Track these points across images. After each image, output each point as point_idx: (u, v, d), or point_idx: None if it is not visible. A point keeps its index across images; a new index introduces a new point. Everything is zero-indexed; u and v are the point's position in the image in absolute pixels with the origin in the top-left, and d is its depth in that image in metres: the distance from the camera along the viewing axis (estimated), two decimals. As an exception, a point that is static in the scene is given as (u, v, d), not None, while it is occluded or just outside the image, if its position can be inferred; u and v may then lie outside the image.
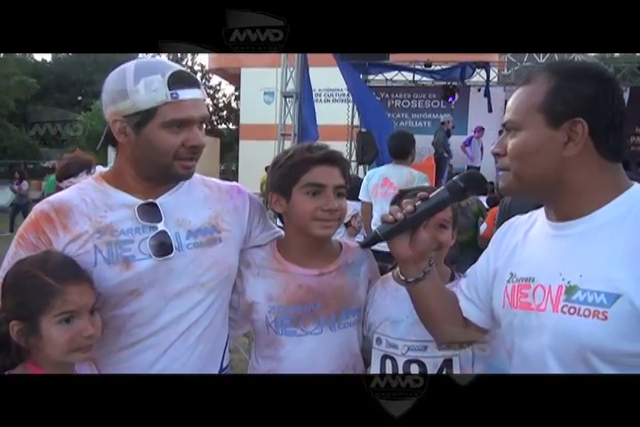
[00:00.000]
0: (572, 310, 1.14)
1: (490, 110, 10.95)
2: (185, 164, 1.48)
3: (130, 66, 1.46)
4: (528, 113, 1.21)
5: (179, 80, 1.43)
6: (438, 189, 1.37)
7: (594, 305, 1.11)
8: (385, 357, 1.67)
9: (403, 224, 1.34)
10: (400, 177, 4.96)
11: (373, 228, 4.96)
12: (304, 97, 8.58)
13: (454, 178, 1.37)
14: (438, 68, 10.86)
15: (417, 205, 1.34)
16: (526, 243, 1.32)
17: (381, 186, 4.93)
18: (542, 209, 1.36)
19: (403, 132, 5.93)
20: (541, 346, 1.20)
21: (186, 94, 1.43)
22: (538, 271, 1.24)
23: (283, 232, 1.78)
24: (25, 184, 16.15)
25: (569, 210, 1.22)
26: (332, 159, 1.64)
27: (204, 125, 1.52)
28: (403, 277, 1.42)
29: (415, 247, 1.37)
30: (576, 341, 1.13)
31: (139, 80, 1.41)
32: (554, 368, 1.18)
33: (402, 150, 5.16)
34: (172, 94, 1.41)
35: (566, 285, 1.16)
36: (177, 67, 1.46)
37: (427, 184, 4.92)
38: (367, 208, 5.08)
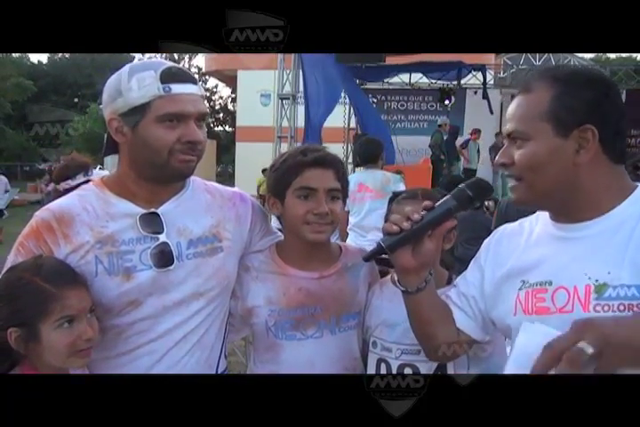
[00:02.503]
0: (605, 308, 1.13)
1: (491, 112, 11.03)
2: (182, 157, 1.44)
3: (126, 67, 1.45)
4: (534, 123, 1.20)
5: (172, 75, 1.41)
6: (444, 198, 1.34)
7: (627, 299, 1.11)
8: (380, 360, 1.66)
9: (408, 235, 1.30)
10: (375, 180, 5.10)
11: (350, 233, 5.04)
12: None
13: (461, 186, 1.34)
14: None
15: (424, 215, 1.31)
16: (531, 249, 1.31)
17: (357, 191, 5.02)
18: (536, 215, 1.37)
19: (370, 138, 6.13)
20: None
21: (180, 89, 1.41)
22: (555, 274, 1.22)
23: (282, 236, 1.78)
24: (52, 185, 16.29)
25: (582, 212, 1.22)
26: (324, 162, 1.62)
27: (204, 122, 1.49)
28: (403, 288, 1.40)
29: (419, 258, 1.33)
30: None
31: (132, 77, 1.41)
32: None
33: (372, 155, 5.31)
34: (164, 88, 1.39)
35: (594, 284, 1.15)
36: (171, 64, 1.45)
37: (402, 185, 5.06)
38: (344, 217, 5.13)
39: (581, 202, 1.22)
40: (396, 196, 1.76)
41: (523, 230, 1.37)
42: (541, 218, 1.34)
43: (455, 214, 1.34)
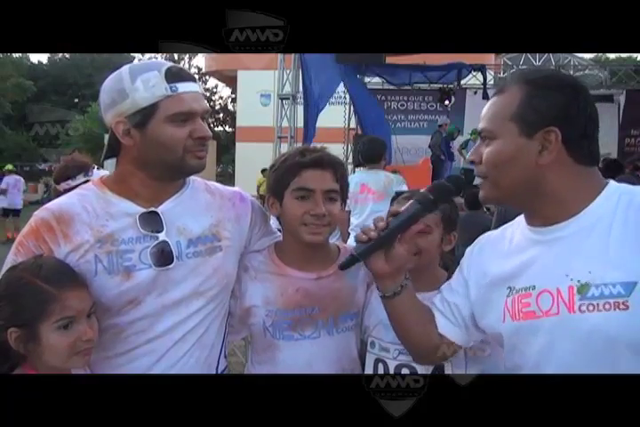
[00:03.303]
0: (590, 307, 1.13)
1: None
2: (197, 153, 1.47)
3: (124, 68, 1.45)
4: (502, 122, 1.24)
5: (175, 74, 1.42)
6: (408, 203, 1.37)
7: (612, 297, 1.11)
8: (378, 360, 1.66)
9: (377, 242, 1.34)
10: (377, 181, 5.02)
11: (351, 233, 5.00)
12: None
13: (423, 190, 1.38)
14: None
15: (389, 221, 1.34)
16: (513, 255, 1.31)
17: (360, 192, 4.97)
18: (516, 220, 1.38)
19: (373, 137, 6.07)
20: (561, 351, 1.18)
21: (185, 87, 1.42)
22: (537, 278, 1.23)
23: (281, 236, 1.77)
24: None
25: (553, 214, 1.23)
26: (322, 163, 1.62)
27: (206, 120, 1.50)
28: (380, 293, 1.42)
29: (392, 263, 1.36)
30: (604, 336, 1.12)
31: (135, 78, 1.41)
32: (580, 370, 1.15)
33: (374, 155, 5.24)
34: (171, 88, 1.40)
35: (576, 284, 1.16)
36: (170, 63, 1.46)
37: (404, 186, 5.00)
38: (345, 217, 5.10)
39: (549, 203, 1.23)
40: (398, 195, 1.77)
41: (504, 237, 1.38)
42: (521, 224, 1.35)
43: (421, 217, 1.37)
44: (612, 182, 1.24)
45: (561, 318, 1.17)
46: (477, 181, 1.32)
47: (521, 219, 1.36)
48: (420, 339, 1.44)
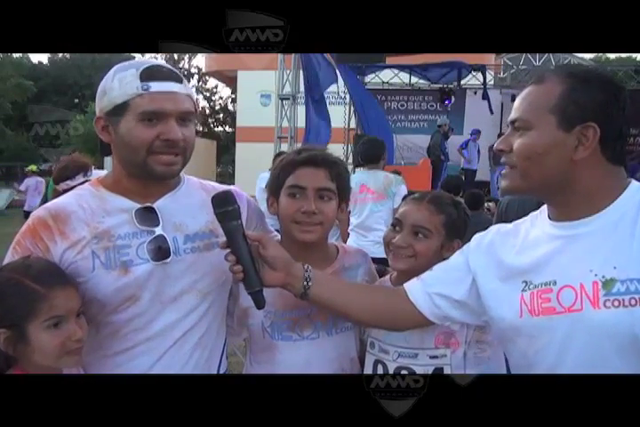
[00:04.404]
0: (615, 303, 1.13)
1: (491, 112, 11.06)
2: (161, 159, 1.43)
3: (114, 67, 1.46)
4: (539, 113, 1.22)
5: (153, 73, 1.41)
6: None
7: (637, 293, 1.11)
8: (377, 361, 1.66)
9: (246, 269, 1.38)
10: (377, 181, 5.06)
11: (351, 233, 5.02)
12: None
13: (214, 211, 1.41)
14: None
15: (232, 251, 1.39)
16: (530, 249, 1.31)
17: (359, 192, 4.99)
18: (531, 215, 1.38)
19: (372, 137, 6.11)
20: (579, 348, 1.18)
21: (159, 87, 1.40)
22: (559, 274, 1.22)
23: (279, 236, 1.77)
24: None
25: (579, 209, 1.23)
26: (316, 161, 1.62)
27: (190, 122, 1.46)
28: (298, 297, 1.46)
29: (278, 268, 1.41)
30: (628, 332, 1.12)
31: (115, 76, 1.42)
32: (601, 367, 1.15)
33: (373, 155, 5.26)
34: (142, 86, 1.39)
35: (601, 280, 1.15)
36: (155, 62, 1.45)
37: (404, 186, 5.04)
38: (345, 217, 5.13)
39: (576, 198, 1.23)
40: (409, 195, 1.80)
41: (518, 231, 1.37)
42: (539, 219, 1.35)
43: (235, 226, 1.40)
44: (633, 181, 1.25)
45: (584, 313, 1.17)
46: (504, 170, 1.31)
47: (536, 214, 1.36)
48: (371, 314, 1.49)
